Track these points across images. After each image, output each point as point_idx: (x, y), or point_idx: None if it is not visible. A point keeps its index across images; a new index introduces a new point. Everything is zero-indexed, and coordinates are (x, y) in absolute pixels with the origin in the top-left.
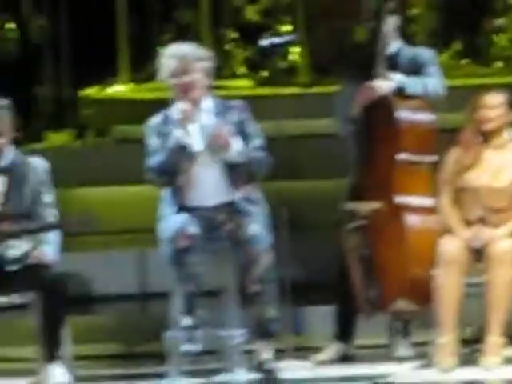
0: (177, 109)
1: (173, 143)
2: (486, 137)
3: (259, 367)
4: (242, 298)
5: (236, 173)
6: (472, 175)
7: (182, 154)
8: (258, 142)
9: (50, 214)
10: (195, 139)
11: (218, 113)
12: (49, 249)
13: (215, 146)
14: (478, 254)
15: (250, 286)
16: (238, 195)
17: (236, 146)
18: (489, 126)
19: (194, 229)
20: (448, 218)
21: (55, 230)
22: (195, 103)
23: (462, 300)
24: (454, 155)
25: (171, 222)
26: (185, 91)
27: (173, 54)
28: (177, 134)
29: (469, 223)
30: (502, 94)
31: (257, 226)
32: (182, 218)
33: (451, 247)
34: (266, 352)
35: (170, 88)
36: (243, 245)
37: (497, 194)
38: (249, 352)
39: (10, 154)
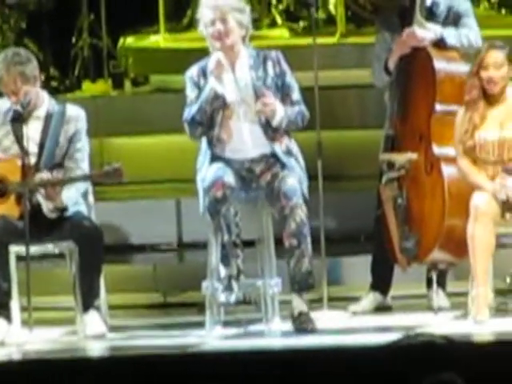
0: (212, 59)
1: (206, 92)
2: (490, 95)
3: (295, 318)
4: (279, 249)
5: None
6: (481, 132)
7: (215, 103)
8: (295, 95)
9: (84, 164)
10: (229, 90)
11: (254, 65)
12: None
13: (263, 113)
14: (505, 206)
15: (285, 239)
16: (276, 147)
17: (280, 112)
18: (494, 89)
19: (229, 179)
20: (471, 176)
21: (87, 180)
22: (230, 54)
23: (495, 251)
24: (461, 116)
25: (208, 172)
26: (216, 39)
27: (208, 5)
28: (210, 83)
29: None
30: (504, 48)
31: (293, 180)
32: (219, 167)
33: (481, 200)
34: (301, 304)
35: (206, 38)
36: (279, 198)
37: (509, 144)
38: (285, 302)
39: (46, 102)
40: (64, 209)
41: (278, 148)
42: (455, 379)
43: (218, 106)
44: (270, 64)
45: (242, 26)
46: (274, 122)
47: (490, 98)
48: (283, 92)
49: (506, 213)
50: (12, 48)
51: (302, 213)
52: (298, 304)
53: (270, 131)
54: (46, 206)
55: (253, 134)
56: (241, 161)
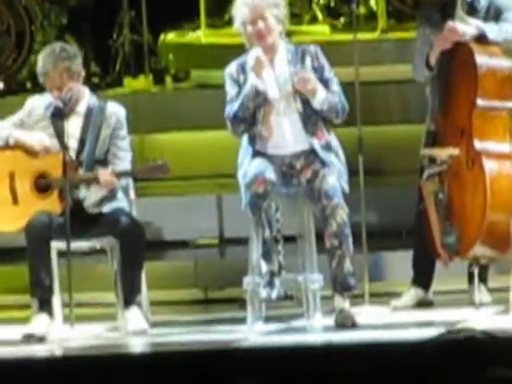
0: (251, 56)
1: (247, 89)
2: None
3: (336, 315)
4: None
5: (314, 120)
6: None
7: (257, 100)
8: (335, 87)
9: (126, 160)
10: (270, 86)
11: (292, 60)
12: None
13: (302, 90)
14: None
15: (327, 239)
16: (316, 142)
17: (321, 92)
18: None
19: (270, 174)
20: None
21: (128, 176)
22: (269, 50)
23: None
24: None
25: (249, 167)
26: (258, 39)
27: (245, 2)
28: (251, 80)
29: None
30: None
31: (334, 178)
32: (260, 163)
33: None
34: (343, 303)
35: (243, 35)
36: (320, 197)
37: None
38: (326, 297)
39: (87, 98)
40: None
41: (317, 143)
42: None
43: (259, 102)
44: (308, 58)
45: (279, 21)
46: (315, 103)
47: None
48: (323, 84)
49: None
50: (58, 43)
51: (343, 213)
52: (340, 303)
53: (310, 125)
54: (91, 199)
55: (293, 129)
56: (282, 156)
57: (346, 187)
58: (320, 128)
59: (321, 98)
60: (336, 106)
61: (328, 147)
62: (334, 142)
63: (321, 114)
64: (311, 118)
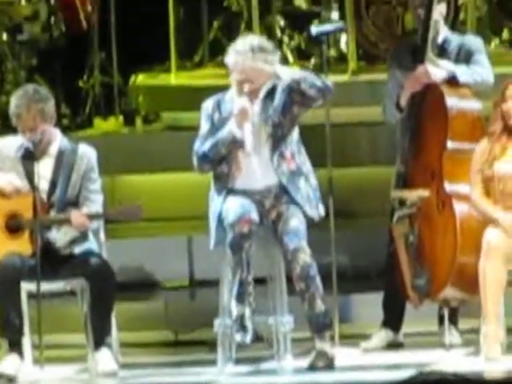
0: (236, 104)
1: (224, 135)
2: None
3: (315, 355)
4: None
5: (284, 144)
6: (501, 164)
7: (231, 147)
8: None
9: (98, 203)
10: (248, 138)
11: (265, 97)
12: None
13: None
14: None
15: (295, 283)
16: (284, 168)
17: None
18: None
19: (254, 214)
20: (483, 207)
21: (101, 219)
22: (253, 97)
23: (507, 288)
24: (482, 146)
25: (230, 205)
26: (244, 87)
27: (238, 51)
28: (231, 127)
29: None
30: None
31: (296, 221)
32: (241, 202)
33: (493, 236)
34: (321, 344)
35: (223, 76)
36: (282, 241)
37: None
38: (296, 340)
39: (58, 140)
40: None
41: (285, 168)
42: None
43: (232, 148)
44: (279, 86)
45: (270, 64)
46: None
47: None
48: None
49: None
50: (31, 85)
51: (305, 255)
52: (318, 344)
53: (279, 152)
54: (61, 240)
55: (262, 165)
56: (251, 193)
57: (316, 213)
58: (290, 151)
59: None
60: (314, 78)
61: (298, 172)
62: (306, 167)
63: (289, 131)
64: (280, 144)
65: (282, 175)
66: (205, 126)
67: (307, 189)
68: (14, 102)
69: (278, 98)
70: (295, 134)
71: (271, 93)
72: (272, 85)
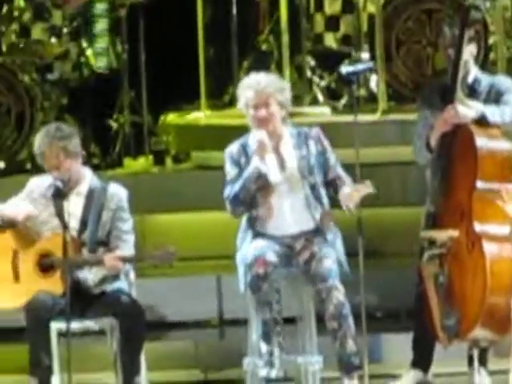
0: (254, 138)
1: (249, 172)
2: None
3: None
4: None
5: (318, 199)
6: None
7: (259, 182)
8: (338, 169)
9: (129, 243)
10: (272, 169)
11: (297, 145)
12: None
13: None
14: None
15: (327, 322)
16: (318, 222)
17: None
18: None
19: (271, 256)
20: None
21: (135, 262)
22: (273, 135)
23: None
24: None
25: (249, 248)
26: (259, 124)
27: (250, 85)
28: (254, 163)
29: None
30: None
31: (330, 261)
32: (261, 244)
33: None
34: (348, 382)
35: (246, 116)
36: (315, 280)
37: None
38: (326, 379)
39: (88, 178)
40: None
41: (321, 222)
42: None
43: (260, 185)
44: (311, 142)
45: (283, 106)
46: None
47: None
48: (326, 167)
49: None
50: (54, 123)
51: (338, 294)
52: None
53: (319, 208)
54: (93, 280)
55: (293, 211)
56: (281, 237)
57: (344, 271)
58: (324, 207)
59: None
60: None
61: (329, 227)
62: (334, 223)
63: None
64: (317, 202)
65: (317, 223)
66: (232, 171)
67: (338, 243)
68: (37, 141)
69: (315, 159)
70: None
71: (304, 142)
72: (299, 133)
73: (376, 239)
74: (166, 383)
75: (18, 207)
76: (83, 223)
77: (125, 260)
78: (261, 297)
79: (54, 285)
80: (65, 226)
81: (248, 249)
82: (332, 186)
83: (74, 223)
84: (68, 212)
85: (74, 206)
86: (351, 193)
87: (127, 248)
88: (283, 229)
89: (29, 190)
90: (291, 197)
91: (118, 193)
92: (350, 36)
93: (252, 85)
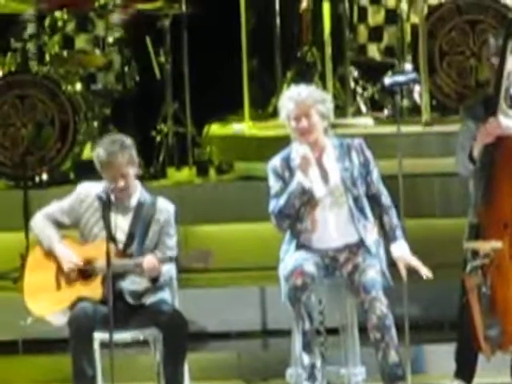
0: (296, 152)
1: (293, 187)
2: None
3: None
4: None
5: (362, 211)
6: None
7: (303, 198)
8: (379, 184)
9: (171, 259)
10: (316, 184)
11: (340, 156)
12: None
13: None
14: None
15: (370, 332)
16: (367, 237)
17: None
18: None
19: (309, 267)
20: None
21: (173, 262)
22: (315, 147)
23: None
24: None
25: (290, 259)
26: (300, 135)
27: (291, 97)
28: (298, 178)
29: None
30: None
31: (373, 272)
32: (300, 256)
33: None
34: None
35: (288, 127)
36: (359, 291)
37: None
38: None
39: (138, 193)
40: (153, 286)
41: (369, 238)
42: None
43: (305, 200)
44: (354, 154)
45: (324, 117)
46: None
47: None
48: (369, 179)
49: None
50: (115, 134)
51: (381, 305)
52: None
53: (362, 220)
54: (136, 290)
55: (338, 224)
56: (325, 250)
57: (387, 282)
58: (371, 223)
59: None
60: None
61: (377, 241)
62: (378, 235)
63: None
64: (361, 214)
65: (367, 238)
66: (276, 186)
67: (382, 256)
68: (104, 150)
69: (358, 170)
70: None
71: (347, 153)
72: (342, 144)
73: (419, 250)
74: None
75: (67, 254)
76: (130, 236)
77: (163, 261)
78: (300, 308)
79: (93, 291)
80: (110, 237)
81: (289, 260)
82: (372, 201)
83: (120, 236)
84: (115, 224)
85: (122, 219)
86: (405, 263)
87: (170, 264)
88: (327, 242)
89: (79, 196)
90: (335, 209)
91: (166, 207)
92: (394, 47)
93: (293, 97)
